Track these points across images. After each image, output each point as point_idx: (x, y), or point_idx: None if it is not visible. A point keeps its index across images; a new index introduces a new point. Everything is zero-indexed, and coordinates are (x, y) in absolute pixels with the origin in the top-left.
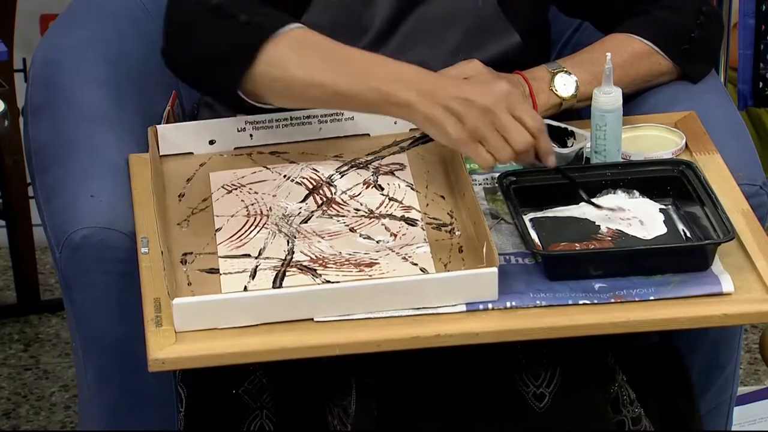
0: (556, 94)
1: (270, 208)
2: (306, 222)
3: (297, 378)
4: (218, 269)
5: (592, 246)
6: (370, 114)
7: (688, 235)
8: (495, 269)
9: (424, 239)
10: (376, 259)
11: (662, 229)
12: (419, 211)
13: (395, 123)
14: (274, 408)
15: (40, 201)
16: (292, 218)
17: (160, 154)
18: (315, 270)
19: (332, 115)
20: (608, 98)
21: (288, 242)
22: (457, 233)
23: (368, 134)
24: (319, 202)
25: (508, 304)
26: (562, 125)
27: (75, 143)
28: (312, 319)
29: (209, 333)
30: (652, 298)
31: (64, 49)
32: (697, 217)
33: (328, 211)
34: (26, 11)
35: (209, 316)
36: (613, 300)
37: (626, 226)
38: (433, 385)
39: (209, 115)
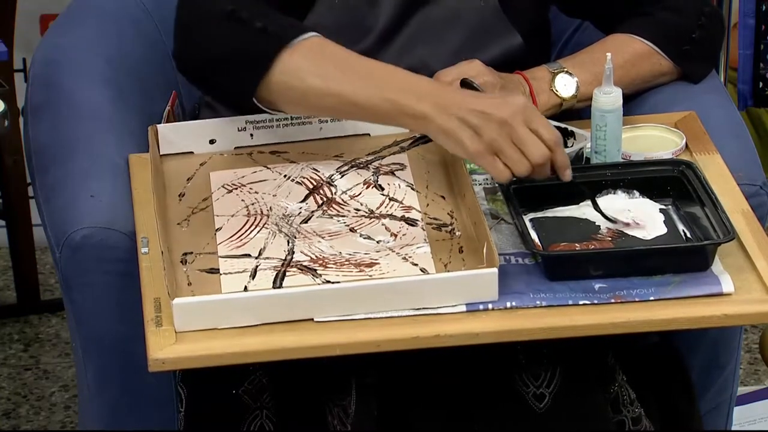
0: (557, 95)
1: (270, 207)
2: (306, 222)
3: (297, 378)
4: (218, 269)
5: (592, 246)
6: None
7: (689, 235)
8: (495, 270)
9: (425, 239)
10: (376, 259)
11: (662, 230)
12: (419, 212)
13: None
14: (274, 408)
15: (40, 201)
16: (292, 218)
17: (161, 153)
18: (315, 270)
19: None
20: (608, 98)
21: (288, 242)
22: (457, 233)
23: (368, 134)
24: (320, 202)
25: (508, 305)
26: (563, 125)
27: (75, 143)
28: (312, 319)
29: (209, 333)
30: (652, 298)
31: (64, 49)
32: (697, 217)
33: (329, 211)
34: (26, 11)
35: (209, 316)
36: (613, 300)
37: (626, 226)
38: (433, 385)
39: (210, 116)
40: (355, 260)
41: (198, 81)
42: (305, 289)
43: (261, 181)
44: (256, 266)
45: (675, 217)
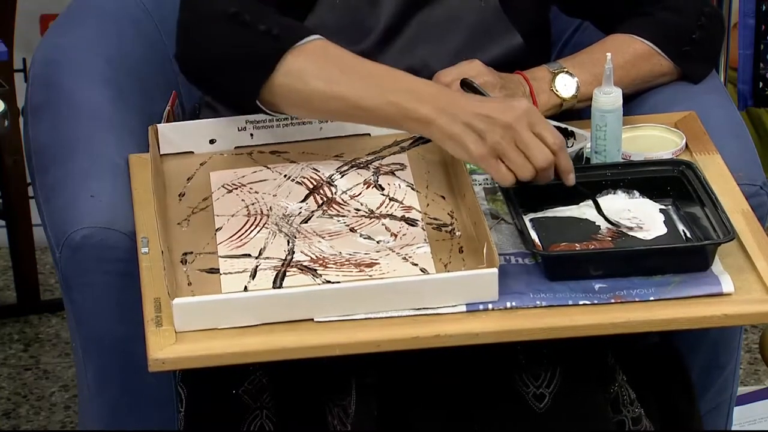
0: (557, 95)
1: (270, 207)
2: (306, 222)
3: (297, 378)
4: (218, 269)
5: (592, 246)
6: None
7: (689, 235)
8: (495, 270)
9: (425, 239)
10: (376, 260)
11: (662, 230)
12: (419, 212)
13: None
14: (274, 408)
15: (40, 201)
16: (292, 218)
17: (161, 153)
18: (315, 270)
19: None
20: (608, 98)
21: (288, 242)
22: (457, 233)
23: (369, 134)
24: (320, 201)
25: (508, 305)
26: (563, 125)
27: (75, 143)
28: (312, 319)
29: (209, 333)
30: (652, 298)
31: (64, 49)
32: (697, 217)
33: (329, 211)
34: (26, 11)
35: (209, 316)
36: (613, 300)
37: (626, 227)
38: (433, 385)
39: (211, 115)
40: (355, 260)
41: (200, 82)
42: (305, 289)
43: (261, 180)
44: (256, 266)
45: (675, 217)
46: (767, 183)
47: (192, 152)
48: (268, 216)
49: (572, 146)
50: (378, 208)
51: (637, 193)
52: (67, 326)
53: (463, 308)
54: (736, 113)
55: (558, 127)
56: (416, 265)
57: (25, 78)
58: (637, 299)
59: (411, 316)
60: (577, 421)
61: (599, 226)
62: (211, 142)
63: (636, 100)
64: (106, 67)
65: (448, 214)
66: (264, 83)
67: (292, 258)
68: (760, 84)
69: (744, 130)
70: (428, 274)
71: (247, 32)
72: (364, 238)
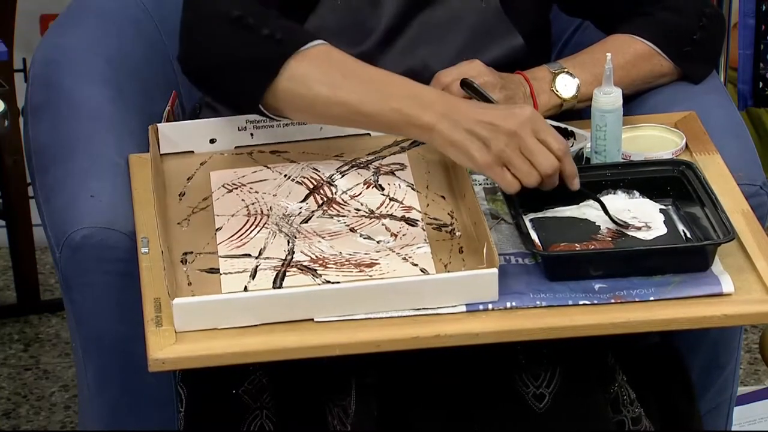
0: (557, 95)
1: (270, 207)
2: (306, 222)
3: (297, 378)
4: (218, 269)
5: (592, 246)
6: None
7: (689, 235)
8: (495, 270)
9: (425, 239)
10: (376, 260)
11: (662, 230)
12: (420, 212)
13: None
14: (274, 408)
15: (40, 201)
16: (292, 218)
17: (161, 152)
18: (315, 270)
19: None
20: (608, 99)
21: (288, 242)
22: (457, 234)
23: (369, 134)
24: (320, 201)
25: (508, 305)
26: (563, 125)
27: (75, 143)
28: (312, 320)
29: (209, 333)
30: (652, 298)
31: (64, 49)
32: (697, 217)
33: (329, 211)
34: (26, 11)
35: (209, 316)
36: (613, 300)
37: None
38: (433, 385)
39: (211, 116)
40: (355, 260)
41: (202, 85)
42: (305, 289)
43: (261, 180)
44: (256, 266)
45: (675, 217)
46: (767, 183)
47: (192, 152)
48: (268, 216)
49: (572, 146)
50: (378, 208)
51: (637, 193)
52: (67, 326)
53: (463, 308)
54: (736, 113)
55: (558, 127)
56: (416, 265)
57: (25, 78)
58: (637, 299)
59: (411, 316)
60: (577, 421)
61: (599, 226)
62: (212, 141)
63: (636, 100)
64: (106, 67)
65: (448, 214)
66: (267, 88)
67: (292, 258)
68: (760, 84)
69: (744, 130)
70: (428, 274)
71: (251, 36)
72: (364, 238)
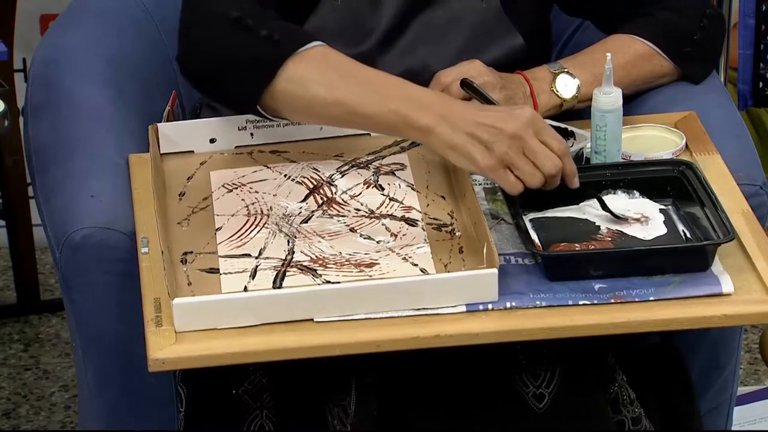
0: (558, 95)
1: (270, 207)
2: (306, 222)
3: (297, 378)
4: (218, 269)
5: (592, 246)
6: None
7: (688, 235)
8: (495, 270)
9: (425, 240)
10: (376, 260)
11: (662, 230)
12: (420, 212)
13: None
14: (274, 408)
15: (40, 201)
16: (292, 218)
17: (161, 152)
18: (315, 270)
19: None
20: (608, 99)
21: (288, 242)
22: (457, 234)
23: (369, 134)
24: (320, 201)
25: (508, 305)
26: (563, 125)
27: (75, 143)
28: (312, 320)
29: (209, 333)
30: (652, 298)
31: (64, 49)
32: (697, 217)
33: (329, 211)
34: (26, 11)
35: (209, 316)
36: (613, 300)
37: (626, 227)
38: (433, 385)
39: (211, 116)
40: (355, 260)
41: (201, 85)
42: (305, 289)
43: (261, 180)
44: (256, 266)
45: (675, 217)
46: (767, 183)
47: (192, 152)
48: (268, 216)
49: (572, 146)
50: (378, 208)
51: (637, 193)
52: (67, 326)
53: (463, 308)
54: (736, 113)
55: (558, 127)
56: (416, 265)
57: (25, 78)
58: (637, 299)
59: (411, 316)
60: (577, 421)
61: (599, 226)
62: (212, 141)
63: (636, 100)
64: (106, 67)
65: (448, 214)
66: (265, 89)
67: (292, 258)
68: (760, 84)
69: (744, 130)
70: (428, 274)
71: (249, 37)
72: (364, 238)
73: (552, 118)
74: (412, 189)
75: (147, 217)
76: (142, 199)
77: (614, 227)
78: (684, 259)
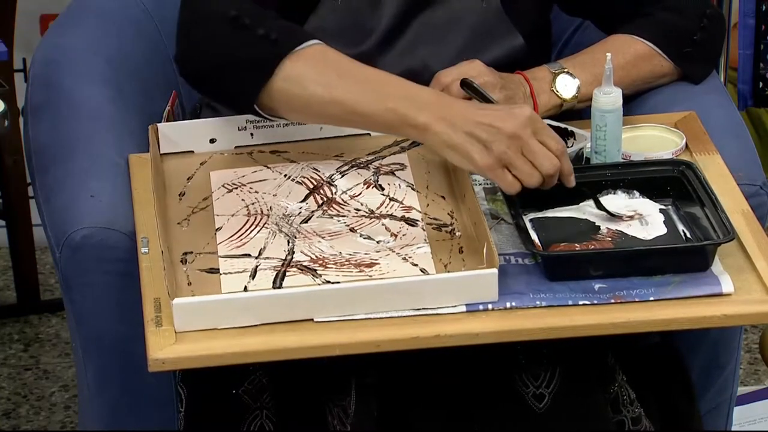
0: (558, 95)
1: (270, 207)
2: (306, 222)
3: (297, 378)
4: (218, 269)
5: (592, 246)
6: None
7: (688, 235)
8: (495, 270)
9: (425, 240)
10: (376, 260)
11: (662, 230)
12: (420, 212)
13: None
14: (274, 408)
15: (40, 201)
16: (292, 218)
17: (161, 152)
18: (315, 270)
19: None
20: (608, 99)
21: (288, 242)
22: (457, 234)
23: (369, 134)
24: (320, 201)
25: (508, 305)
26: (563, 125)
27: (75, 143)
28: (312, 320)
29: (209, 333)
30: (652, 298)
31: (64, 49)
32: (697, 217)
33: (329, 211)
34: (26, 11)
35: (209, 316)
36: (613, 300)
37: (626, 227)
38: (433, 385)
39: (212, 116)
40: (355, 260)
41: (199, 85)
42: (305, 289)
43: (261, 180)
44: (256, 266)
45: (675, 217)
46: (767, 183)
47: (192, 152)
48: (268, 216)
49: (572, 146)
50: (378, 208)
51: (637, 193)
52: (67, 326)
53: (463, 308)
54: (736, 113)
55: (558, 127)
56: (416, 265)
57: (25, 78)
58: (637, 299)
59: (411, 316)
60: (577, 421)
61: (599, 226)
62: (211, 141)
63: (636, 100)
64: (106, 67)
65: (448, 214)
66: (262, 88)
67: (292, 258)
68: (760, 84)
69: (744, 130)
70: (428, 274)
71: (247, 36)
72: (364, 238)
73: (552, 118)
74: (412, 189)
75: (147, 217)
76: (142, 199)
77: (614, 227)
78: (684, 259)
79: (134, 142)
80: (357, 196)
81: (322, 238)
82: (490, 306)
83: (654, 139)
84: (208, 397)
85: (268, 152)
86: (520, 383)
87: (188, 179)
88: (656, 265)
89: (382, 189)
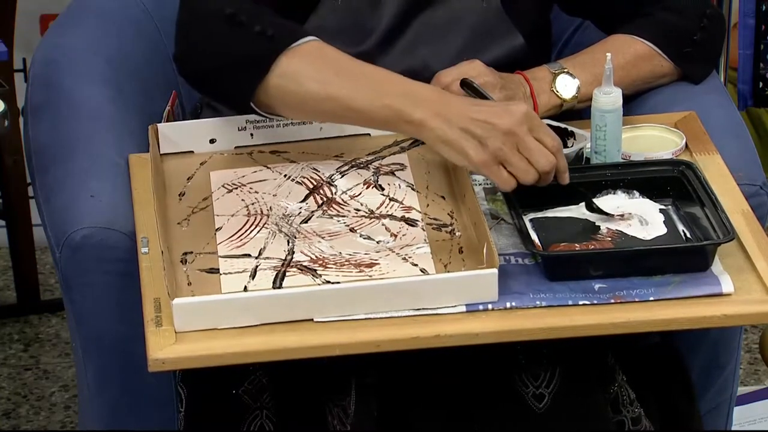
0: (558, 95)
1: (270, 207)
2: (306, 222)
3: (297, 378)
4: (218, 269)
5: (592, 246)
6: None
7: (688, 235)
8: (495, 270)
9: (425, 240)
10: (376, 260)
11: (662, 230)
12: (419, 212)
13: None
14: (274, 408)
15: (40, 201)
16: (292, 218)
17: (161, 152)
18: (315, 270)
19: None
20: (608, 99)
21: (288, 242)
22: (457, 234)
23: (369, 134)
24: (320, 201)
25: (508, 305)
26: (562, 125)
27: (75, 143)
28: (312, 320)
29: (209, 333)
30: (652, 298)
31: (64, 49)
32: (697, 217)
33: (329, 211)
34: (26, 11)
35: (209, 316)
36: (613, 300)
37: (626, 227)
38: (433, 385)
39: (212, 116)
40: (355, 260)
41: (197, 84)
42: (305, 289)
43: (261, 180)
44: (256, 266)
45: (675, 217)
46: (767, 183)
47: (192, 152)
48: (268, 216)
49: (572, 146)
50: (378, 209)
51: (637, 194)
52: (67, 326)
53: (463, 308)
54: (736, 113)
55: (557, 127)
56: (416, 265)
57: (25, 78)
58: (637, 299)
59: (411, 316)
60: (577, 421)
61: (599, 226)
62: (211, 141)
63: (636, 100)
64: (106, 67)
65: (448, 214)
66: (258, 85)
67: (292, 258)
68: (760, 84)
69: (744, 130)
70: (428, 274)
71: (243, 34)
72: (364, 239)
73: (552, 118)
74: (412, 189)
75: (147, 217)
76: (142, 199)
77: (614, 227)
78: (684, 259)
79: (134, 142)
80: (357, 196)
81: (322, 238)
82: (490, 306)
83: (654, 139)
84: (208, 397)
85: (268, 152)
86: (520, 383)
87: (188, 179)
88: (656, 265)
89: (382, 189)
